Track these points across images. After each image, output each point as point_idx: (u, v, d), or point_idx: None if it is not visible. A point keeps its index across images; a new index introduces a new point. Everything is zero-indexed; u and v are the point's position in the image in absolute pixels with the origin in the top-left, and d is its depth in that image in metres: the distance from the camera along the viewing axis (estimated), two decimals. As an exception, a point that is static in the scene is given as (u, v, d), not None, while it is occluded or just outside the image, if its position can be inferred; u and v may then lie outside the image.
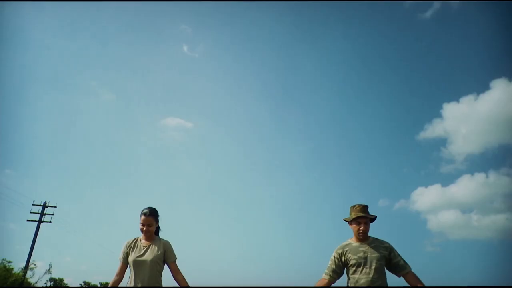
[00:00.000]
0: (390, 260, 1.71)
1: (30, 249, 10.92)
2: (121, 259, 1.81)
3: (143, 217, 1.77)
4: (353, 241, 1.77)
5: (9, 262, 10.27)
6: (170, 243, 1.83)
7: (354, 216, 1.74)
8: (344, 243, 1.79)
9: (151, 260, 1.73)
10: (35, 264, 10.81)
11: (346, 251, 1.73)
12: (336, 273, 1.75)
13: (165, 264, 1.80)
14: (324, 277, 1.76)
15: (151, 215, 1.78)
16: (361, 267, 1.67)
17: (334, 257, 1.76)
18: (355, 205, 1.77)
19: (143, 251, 1.76)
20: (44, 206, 11.68)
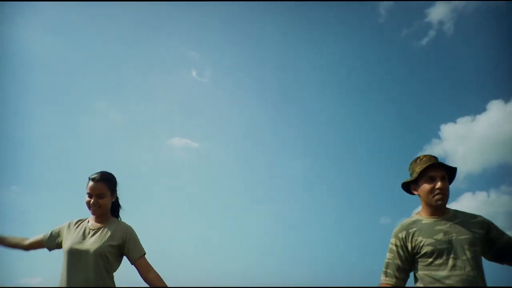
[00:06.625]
0: (492, 241, 1.05)
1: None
2: (48, 234, 1.24)
3: (90, 183, 1.17)
4: (422, 216, 1.09)
5: None
6: (134, 230, 1.21)
7: (421, 168, 1.07)
8: (408, 221, 1.11)
9: (96, 251, 1.11)
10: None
11: (414, 232, 1.06)
12: (405, 271, 1.07)
13: (120, 260, 1.19)
14: (386, 281, 1.08)
15: (102, 180, 1.18)
16: (443, 257, 1.00)
17: (396, 246, 1.08)
18: (419, 157, 1.13)
19: (87, 236, 1.16)
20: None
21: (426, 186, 1.07)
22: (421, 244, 1.04)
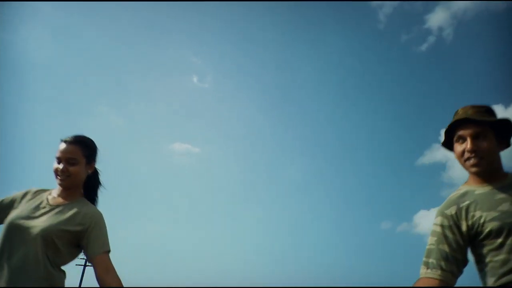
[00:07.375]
0: None
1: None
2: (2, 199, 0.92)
3: (62, 145, 0.90)
4: (472, 186, 0.80)
5: None
6: (104, 219, 0.91)
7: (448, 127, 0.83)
8: (456, 194, 0.81)
9: (41, 233, 0.82)
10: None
11: (468, 205, 0.76)
12: (456, 262, 0.75)
13: (74, 254, 0.89)
14: (428, 274, 0.75)
15: (76, 143, 0.91)
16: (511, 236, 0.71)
17: (443, 226, 0.77)
18: (458, 110, 0.85)
19: (40, 211, 0.87)
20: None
21: (457, 148, 0.80)
22: (481, 221, 0.73)
